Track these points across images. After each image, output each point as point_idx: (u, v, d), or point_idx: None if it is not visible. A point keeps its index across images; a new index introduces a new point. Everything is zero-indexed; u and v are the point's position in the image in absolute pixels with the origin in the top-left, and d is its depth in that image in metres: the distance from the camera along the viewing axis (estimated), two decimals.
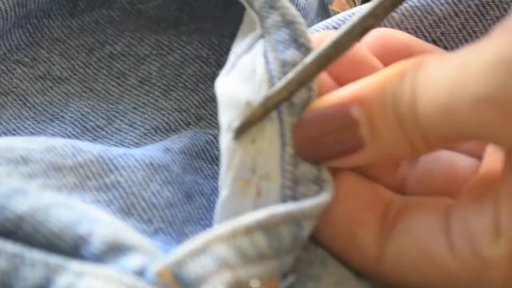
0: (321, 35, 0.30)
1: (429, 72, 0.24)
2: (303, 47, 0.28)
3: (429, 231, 0.26)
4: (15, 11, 0.34)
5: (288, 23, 0.28)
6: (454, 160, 0.29)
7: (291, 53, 0.28)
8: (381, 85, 0.25)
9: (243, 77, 0.28)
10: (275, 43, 0.28)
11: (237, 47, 0.30)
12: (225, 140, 0.27)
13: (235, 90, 0.27)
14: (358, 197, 0.28)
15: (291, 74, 0.26)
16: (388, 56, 0.30)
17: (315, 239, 0.28)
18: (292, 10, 0.28)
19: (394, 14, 0.32)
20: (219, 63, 0.38)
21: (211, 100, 0.38)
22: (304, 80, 0.26)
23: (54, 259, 0.23)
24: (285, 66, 0.27)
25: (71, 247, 0.24)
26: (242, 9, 0.36)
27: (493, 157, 0.28)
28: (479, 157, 0.29)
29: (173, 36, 0.38)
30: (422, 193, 0.29)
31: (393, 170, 0.29)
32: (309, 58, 0.26)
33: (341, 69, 0.29)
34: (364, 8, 0.25)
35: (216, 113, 0.37)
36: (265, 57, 0.28)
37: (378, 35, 0.31)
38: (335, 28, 0.32)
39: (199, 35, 0.38)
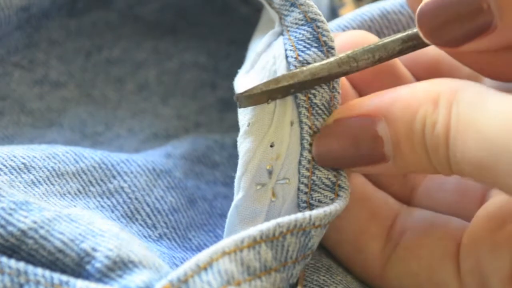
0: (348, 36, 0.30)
1: (465, 113, 0.23)
2: (326, 46, 0.27)
3: (439, 260, 0.26)
4: (18, 15, 0.34)
5: (310, 21, 0.28)
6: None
7: (312, 53, 0.27)
8: (412, 109, 0.25)
9: (264, 78, 0.28)
10: (296, 41, 0.27)
11: (256, 46, 0.29)
12: (243, 142, 0.27)
13: None
14: (367, 207, 0.28)
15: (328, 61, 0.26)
16: (417, 64, 0.30)
17: (319, 246, 0.28)
18: (315, 8, 0.28)
19: (401, 17, 0.32)
20: (217, 69, 0.39)
21: (209, 107, 0.38)
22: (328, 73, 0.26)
23: (59, 277, 0.23)
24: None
25: (76, 263, 0.24)
26: (241, 14, 0.36)
27: None
28: None
29: (170, 42, 0.38)
30: (430, 207, 0.29)
31: (403, 179, 0.30)
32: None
33: (366, 75, 0.29)
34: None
35: (214, 120, 0.38)
36: (286, 57, 0.27)
37: None
38: (346, 27, 0.32)
39: (196, 40, 0.38)
